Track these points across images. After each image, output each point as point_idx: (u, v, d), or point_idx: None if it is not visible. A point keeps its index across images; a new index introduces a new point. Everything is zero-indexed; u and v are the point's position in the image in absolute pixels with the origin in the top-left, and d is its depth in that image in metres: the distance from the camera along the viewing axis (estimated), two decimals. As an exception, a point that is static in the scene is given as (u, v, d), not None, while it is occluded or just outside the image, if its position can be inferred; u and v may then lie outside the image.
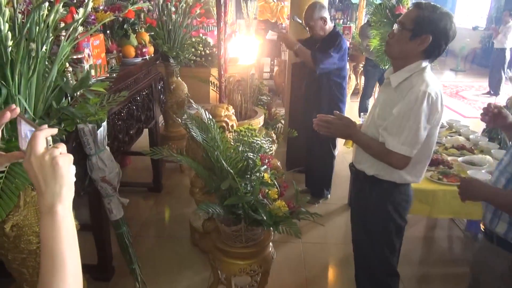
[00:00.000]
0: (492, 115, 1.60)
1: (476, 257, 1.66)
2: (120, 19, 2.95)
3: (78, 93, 1.72)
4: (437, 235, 3.16)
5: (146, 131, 3.37)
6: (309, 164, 3.46)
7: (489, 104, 1.63)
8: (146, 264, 2.59)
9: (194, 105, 2.06)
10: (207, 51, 5.63)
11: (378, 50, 4.17)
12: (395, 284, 1.85)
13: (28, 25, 1.36)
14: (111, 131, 2.41)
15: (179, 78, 3.81)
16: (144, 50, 2.94)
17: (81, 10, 1.59)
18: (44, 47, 1.46)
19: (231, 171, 1.79)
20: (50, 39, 1.51)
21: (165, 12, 3.41)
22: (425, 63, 1.60)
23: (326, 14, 3.03)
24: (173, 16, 3.40)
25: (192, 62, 3.96)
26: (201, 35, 5.37)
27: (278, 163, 2.90)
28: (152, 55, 3.14)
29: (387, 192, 1.69)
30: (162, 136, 3.95)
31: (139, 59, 2.93)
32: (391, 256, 1.79)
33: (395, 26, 1.61)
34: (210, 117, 1.96)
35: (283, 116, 3.55)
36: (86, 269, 2.44)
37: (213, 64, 5.99)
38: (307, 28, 3.12)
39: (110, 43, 2.80)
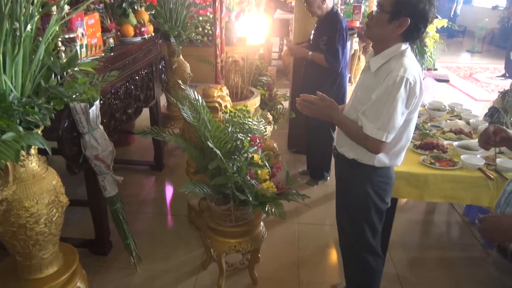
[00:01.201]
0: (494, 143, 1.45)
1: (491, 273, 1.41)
2: (120, -3, 2.95)
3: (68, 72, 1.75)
4: (435, 219, 3.15)
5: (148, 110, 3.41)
6: (309, 146, 3.46)
7: (487, 132, 1.46)
8: (143, 239, 2.67)
9: (182, 85, 2.07)
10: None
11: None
12: (377, 264, 1.87)
13: (10, 3, 1.37)
14: (108, 110, 2.45)
15: (181, 57, 3.81)
16: (143, 29, 2.94)
17: (67, -11, 1.60)
18: (29, 26, 1.48)
19: (218, 151, 1.81)
20: (36, 18, 1.52)
21: (166, -10, 3.38)
22: (404, 46, 1.58)
23: None
24: (174, -6, 3.38)
25: (199, 41, 3.95)
26: (208, 13, 5.33)
27: (275, 144, 2.91)
28: (152, 34, 3.14)
29: (366, 175, 1.70)
30: (165, 116, 3.99)
31: (138, 38, 2.93)
32: (373, 237, 1.81)
33: (374, 8, 1.59)
34: (198, 97, 1.97)
35: (286, 97, 3.54)
36: (84, 243, 2.53)
37: (221, 44, 5.96)
38: (305, 4, 3.07)
39: (109, 22, 2.81)
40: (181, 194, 3.20)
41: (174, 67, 3.74)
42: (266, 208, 1.93)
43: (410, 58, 1.56)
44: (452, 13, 12.16)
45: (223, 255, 2.24)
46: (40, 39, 1.58)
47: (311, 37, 3.14)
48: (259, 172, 2.07)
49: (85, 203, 2.48)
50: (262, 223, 2.29)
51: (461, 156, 2.11)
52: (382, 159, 1.66)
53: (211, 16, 5.46)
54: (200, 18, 4.40)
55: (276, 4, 7.05)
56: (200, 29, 4.15)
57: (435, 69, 8.03)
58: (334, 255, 2.63)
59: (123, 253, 2.48)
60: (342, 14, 5.05)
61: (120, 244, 2.46)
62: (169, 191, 3.41)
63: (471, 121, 2.65)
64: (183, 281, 2.37)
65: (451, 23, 6.27)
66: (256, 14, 7.26)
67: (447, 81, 6.91)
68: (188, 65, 3.88)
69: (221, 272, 2.27)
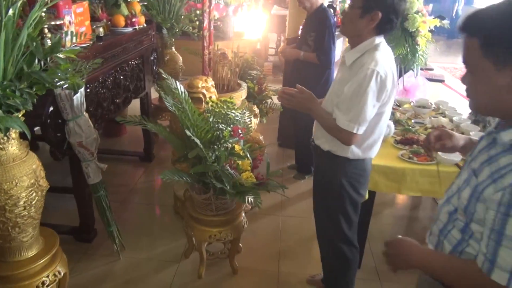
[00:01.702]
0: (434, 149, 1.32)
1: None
2: (111, -12, 2.97)
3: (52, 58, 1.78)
4: (419, 215, 3.19)
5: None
6: (297, 140, 3.49)
7: (429, 138, 1.33)
8: (128, 228, 2.71)
9: (163, 75, 2.10)
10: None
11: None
12: (352, 255, 1.91)
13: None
14: (95, 99, 2.47)
15: (173, 49, 3.83)
16: (134, 20, 2.96)
17: (50, -24, 1.63)
18: (11, 11, 1.51)
19: (197, 140, 1.84)
20: (19, 3, 1.55)
21: (159, -18, 3.41)
22: (378, 40, 1.62)
23: None
24: (167, -14, 3.40)
25: (195, 35, 3.97)
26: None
27: (261, 137, 2.94)
28: (144, 25, 3.16)
29: (341, 167, 1.74)
30: (157, 107, 4.02)
31: (129, 29, 2.96)
32: (348, 228, 1.85)
33: (347, 5, 1.63)
34: (180, 86, 2.00)
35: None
36: (70, 231, 2.57)
37: (218, 38, 5.99)
38: None
39: (100, 11, 2.83)
40: (168, 185, 3.23)
41: (166, 59, 3.76)
42: (245, 198, 1.96)
43: (383, 52, 1.59)
44: (454, 13, 12.16)
45: (204, 243, 2.28)
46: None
47: (300, 32, 3.17)
48: (240, 162, 2.10)
49: (71, 190, 2.52)
50: (243, 213, 2.32)
51: (439, 152, 2.14)
52: (355, 151, 1.70)
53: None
54: (198, 12, 4.43)
55: (274, 0, 7.07)
56: (197, 23, 4.18)
57: (431, 69, 8.08)
58: (315, 248, 2.64)
59: (107, 241, 2.51)
60: (338, 11, 5.08)
61: (105, 232, 2.49)
62: (156, 181, 3.44)
63: (454, 118, 2.68)
64: (164, 268, 2.41)
65: (443, 22, 6.30)
66: (255, 9, 7.28)
67: (442, 81, 6.92)
68: (180, 57, 3.91)
69: (201, 260, 2.30)
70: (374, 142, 1.72)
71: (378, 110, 1.61)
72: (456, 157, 2.10)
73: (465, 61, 0.95)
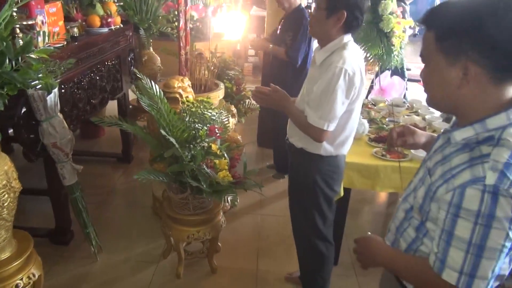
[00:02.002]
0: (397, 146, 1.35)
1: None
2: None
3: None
4: (395, 211, 3.25)
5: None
6: (275, 140, 3.52)
7: (391, 134, 1.35)
8: (106, 229, 2.69)
9: (138, 74, 2.10)
10: (190, 25, 5.60)
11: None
12: (328, 251, 1.95)
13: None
14: (70, 99, 2.45)
15: (151, 50, 3.82)
16: (109, 20, 2.94)
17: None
18: (-21, 11, 1.49)
19: (172, 139, 1.85)
20: (-13, 3, 1.53)
21: (136, -18, 3.39)
22: (346, 38, 1.66)
23: None
24: (144, -14, 3.39)
25: (174, 36, 3.96)
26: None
27: (239, 137, 2.96)
28: (120, 25, 3.14)
29: (314, 164, 1.77)
30: (135, 108, 3.99)
31: (104, 29, 2.93)
32: (323, 224, 1.88)
33: (313, 8, 1.68)
34: (155, 86, 2.00)
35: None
36: (45, 233, 2.53)
37: (198, 39, 5.97)
38: None
39: (75, 11, 2.80)
40: (147, 186, 3.21)
41: (144, 59, 3.75)
42: (221, 197, 1.97)
43: (351, 51, 1.64)
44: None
45: (182, 243, 2.28)
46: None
47: (278, 32, 3.21)
48: (217, 162, 2.12)
49: (46, 192, 2.49)
50: (221, 212, 2.33)
51: (411, 150, 2.20)
52: (328, 148, 1.74)
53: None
54: (176, 12, 4.41)
55: (252, 1, 7.10)
56: (176, 23, 4.17)
57: (409, 69, 8.23)
58: (293, 246, 2.67)
59: (84, 243, 2.49)
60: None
61: (82, 234, 2.47)
62: (135, 183, 3.41)
63: (427, 117, 2.75)
64: (143, 269, 2.40)
65: (417, 23, 6.43)
66: (234, 10, 7.30)
67: (418, 81, 7.08)
68: (158, 58, 3.90)
69: (180, 260, 2.31)
70: (345, 139, 1.76)
71: (348, 107, 1.65)
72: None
73: (421, 54, 0.96)
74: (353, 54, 1.63)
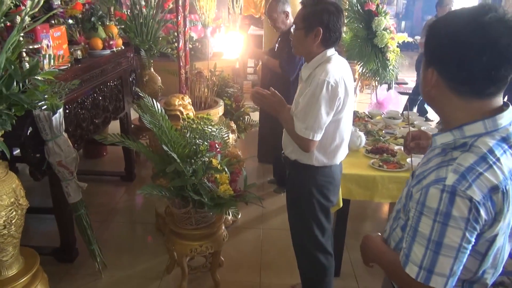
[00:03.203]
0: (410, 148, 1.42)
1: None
2: (89, 12, 3.05)
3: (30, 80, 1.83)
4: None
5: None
6: (276, 155, 3.57)
7: (407, 136, 1.45)
8: (110, 246, 2.72)
9: (140, 93, 2.17)
10: (190, 46, 5.73)
11: (348, 45, 4.30)
12: (328, 262, 1.98)
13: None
14: (74, 119, 2.52)
15: (152, 70, 3.91)
16: (111, 42, 3.04)
17: (28, 3, 1.71)
18: (-11, 36, 1.57)
19: (174, 154, 1.91)
20: (-3, 29, 1.62)
21: (136, 6, 3.51)
22: (330, 52, 1.76)
23: (288, 8, 3.17)
24: (144, 10, 3.50)
25: (174, 56, 4.06)
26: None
27: (239, 152, 3.02)
28: (122, 47, 3.24)
29: (309, 175, 1.83)
30: (137, 127, 4.07)
31: (107, 51, 3.03)
32: (321, 235, 1.92)
33: (292, 29, 1.79)
34: (157, 104, 2.07)
35: (255, 109, 3.66)
36: (50, 251, 2.57)
37: (197, 58, 6.10)
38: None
39: (78, 35, 2.90)
40: (150, 202, 3.27)
41: (145, 79, 3.84)
42: (223, 210, 2.02)
43: (334, 64, 1.72)
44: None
45: (185, 258, 2.31)
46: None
47: (275, 49, 3.30)
48: (218, 176, 2.17)
49: (52, 210, 2.53)
50: (223, 226, 2.37)
51: (407, 159, 2.25)
52: (319, 158, 1.80)
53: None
54: (176, 33, 4.53)
55: (251, 21, 7.27)
56: (175, 44, 4.28)
57: (405, 83, 8.35)
58: (295, 260, 2.73)
59: (88, 260, 2.52)
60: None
61: (87, 252, 2.50)
62: (138, 200, 3.46)
63: (422, 128, 2.81)
64: (147, 285, 2.43)
65: (416, 38, 6.54)
66: (232, 30, 7.46)
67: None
68: (159, 78, 3.99)
69: (183, 275, 2.33)
70: (336, 148, 1.82)
71: (334, 117, 1.72)
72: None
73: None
74: (336, 66, 1.72)
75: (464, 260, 0.90)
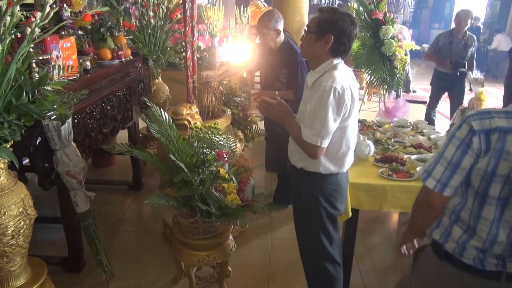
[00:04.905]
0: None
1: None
2: (98, 23, 3.09)
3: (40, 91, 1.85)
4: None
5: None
6: (281, 165, 3.55)
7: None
8: (117, 256, 2.71)
9: (147, 103, 2.18)
10: (198, 55, 5.78)
11: (356, 54, 4.30)
12: (336, 272, 1.95)
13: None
14: (82, 129, 2.54)
15: (160, 80, 3.94)
16: (120, 52, 3.06)
17: (38, 14, 1.73)
18: (0, 47, 1.59)
19: (181, 164, 1.90)
20: (7, 40, 1.63)
21: (145, 16, 3.54)
22: (336, 61, 1.76)
23: (281, 26, 3.03)
24: (152, 20, 3.54)
25: (182, 66, 4.09)
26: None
27: (246, 161, 3.01)
28: (130, 57, 3.27)
29: (316, 183, 1.82)
30: (145, 136, 4.08)
31: (115, 61, 3.06)
32: (329, 244, 1.89)
33: (304, 30, 1.80)
34: (164, 114, 2.08)
35: (262, 118, 3.65)
36: (58, 261, 2.57)
37: (204, 68, 6.14)
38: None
39: (87, 46, 2.93)
40: (158, 212, 3.27)
41: (153, 89, 3.86)
42: (230, 219, 2.00)
43: (340, 71, 1.73)
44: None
45: (193, 268, 2.30)
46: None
47: (267, 68, 3.22)
48: (225, 185, 2.16)
49: (60, 220, 2.54)
50: (231, 236, 2.36)
51: (417, 168, 2.23)
52: (327, 166, 1.79)
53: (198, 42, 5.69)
54: (183, 43, 4.57)
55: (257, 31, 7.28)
56: (183, 54, 4.31)
57: (414, 92, 8.32)
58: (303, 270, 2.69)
59: (96, 270, 2.51)
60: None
61: (94, 262, 2.50)
62: (145, 209, 3.46)
63: (432, 136, 2.79)
64: (154, 295, 2.41)
65: (423, 46, 6.53)
66: (239, 40, 7.51)
67: (424, 102, 7.15)
68: (167, 87, 4.01)
69: (190, 285, 2.31)
70: (343, 156, 1.81)
71: (340, 124, 1.72)
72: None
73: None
74: (343, 73, 1.72)
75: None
